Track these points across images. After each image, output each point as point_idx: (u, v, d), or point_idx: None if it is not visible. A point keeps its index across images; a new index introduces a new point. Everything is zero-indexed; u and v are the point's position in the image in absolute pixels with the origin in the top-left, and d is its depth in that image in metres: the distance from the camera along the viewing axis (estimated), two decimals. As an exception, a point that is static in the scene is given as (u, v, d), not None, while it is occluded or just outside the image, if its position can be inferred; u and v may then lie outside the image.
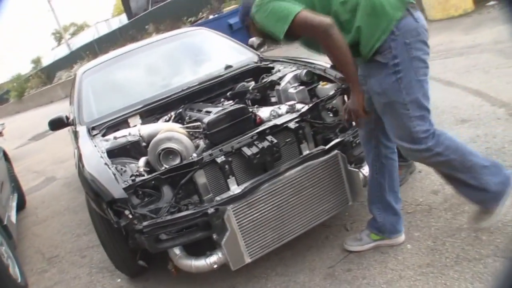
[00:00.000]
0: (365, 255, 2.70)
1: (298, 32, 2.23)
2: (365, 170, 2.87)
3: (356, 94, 2.30)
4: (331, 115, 3.16)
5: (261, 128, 2.85)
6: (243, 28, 2.65)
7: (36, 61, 47.82)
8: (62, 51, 30.32)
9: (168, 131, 2.99)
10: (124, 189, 2.52)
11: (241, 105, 3.11)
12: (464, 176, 2.34)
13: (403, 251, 2.62)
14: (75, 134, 3.74)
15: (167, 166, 2.79)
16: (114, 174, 2.67)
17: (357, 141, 2.87)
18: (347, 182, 2.79)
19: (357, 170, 2.84)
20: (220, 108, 3.19)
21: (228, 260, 2.52)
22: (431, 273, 2.37)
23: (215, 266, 2.55)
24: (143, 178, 2.65)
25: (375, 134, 2.58)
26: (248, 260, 2.57)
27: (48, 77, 30.75)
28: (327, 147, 2.76)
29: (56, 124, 4.21)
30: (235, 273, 2.80)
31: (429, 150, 2.27)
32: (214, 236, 2.54)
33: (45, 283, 3.93)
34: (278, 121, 2.90)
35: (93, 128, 3.61)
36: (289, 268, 2.82)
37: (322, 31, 2.15)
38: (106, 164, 2.79)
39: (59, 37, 47.65)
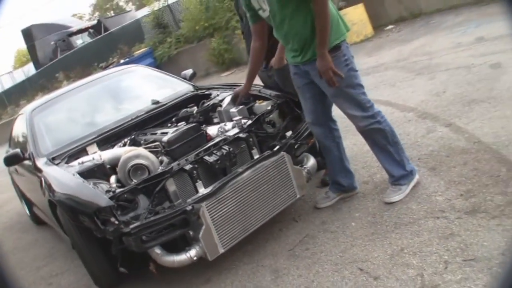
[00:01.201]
0: (318, 235, 3.20)
1: None
2: (307, 168, 3.44)
3: (326, 55, 2.96)
4: (270, 126, 3.68)
5: (218, 139, 3.32)
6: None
7: None
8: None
9: (133, 151, 3.36)
10: (110, 198, 2.88)
11: (194, 124, 3.57)
12: (392, 149, 3.19)
13: (349, 228, 3.15)
14: (35, 167, 3.98)
15: (135, 181, 3.16)
16: (95, 188, 3.02)
17: (298, 144, 3.43)
18: (294, 178, 3.29)
19: (301, 168, 3.37)
20: (176, 129, 3.62)
21: (205, 251, 2.92)
22: (377, 238, 2.92)
23: (195, 258, 2.94)
24: (122, 189, 3.01)
25: (326, 123, 3.37)
26: (221, 250, 2.98)
27: None
28: (274, 149, 3.27)
29: (12, 160, 4.28)
30: (207, 268, 3.24)
31: (373, 117, 3.13)
32: (191, 233, 2.94)
33: None
34: (231, 133, 3.38)
35: (53, 158, 3.88)
36: (253, 257, 3.24)
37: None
38: (83, 181, 3.12)
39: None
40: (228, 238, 3.00)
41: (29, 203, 5.88)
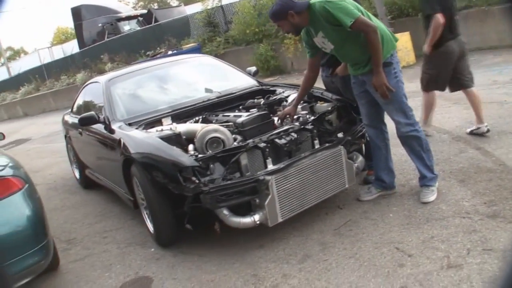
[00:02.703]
0: (360, 221, 3.74)
1: (357, 26, 3.47)
2: (357, 163, 4.00)
3: (380, 73, 3.57)
4: (328, 125, 4.22)
5: (287, 127, 3.87)
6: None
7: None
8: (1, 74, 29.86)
9: (212, 125, 3.92)
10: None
11: (265, 112, 4.12)
12: (425, 155, 3.84)
13: (388, 218, 3.69)
14: (110, 130, 4.51)
15: (211, 152, 3.70)
16: (178, 150, 3.59)
17: (353, 142, 3.98)
18: (346, 170, 3.84)
19: (352, 162, 3.93)
20: (249, 113, 4.17)
21: (267, 218, 3.46)
22: (411, 227, 3.46)
23: (258, 222, 3.49)
24: (203, 155, 3.57)
25: (379, 125, 3.94)
26: (280, 219, 3.52)
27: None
28: (334, 142, 3.82)
29: (88, 120, 4.70)
30: (259, 236, 3.77)
31: (413, 125, 3.77)
32: (257, 200, 3.49)
33: (73, 257, 4.35)
34: (299, 124, 3.93)
35: (130, 124, 4.44)
36: (303, 232, 3.77)
37: (373, 30, 3.50)
38: (168, 143, 3.69)
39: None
40: (288, 210, 3.54)
41: (82, 167, 6.39)
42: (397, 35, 9.89)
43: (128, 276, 3.77)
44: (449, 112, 6.12)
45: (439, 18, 4.67)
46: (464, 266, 2.87)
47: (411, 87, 8.11)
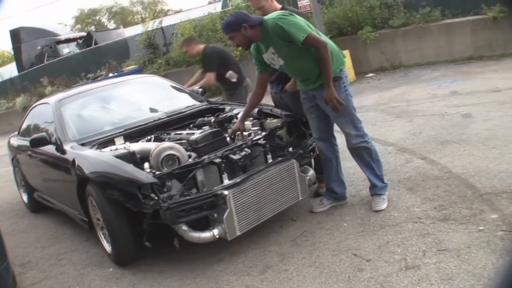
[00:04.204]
0: (315, 231, 3.84)
1: (309, 42, 3.62)
2: (309, 176, 4.13)
3: (331, 87, 3.70)
4: (279, 140, 4.33)
5: (240, 143, 3.96)
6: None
7: None
8: None
9: (166, 143, 3.95)
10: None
11: (218, 129, 4.20)
12: (375, 165, 4.00)
13: (342, 227, 3.81)
14: (62, 151, 4.47)
15: (166, 169, 3.73)
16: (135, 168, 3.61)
17: (304, 156, 4.11)
18: (298, 183, 3.96)
19: (304, 175, 4.05)
20: (202, 130, 4.23)
21: (226, 232, 3.51)
22: (366, 234, 3.59)
23: (217, 236, 3.54)
24: (161, 172, 3.60)
25: (329, 139, 4.08)
26: (238, 232, 3.58)
27: None
28: (287, 156, 3.93)
29: (39, 142, 4.65)
30: (218, 251, 3.81)
31: (363, 136, 3.95)
32: (215, 215, 3.54)
33: (30, 281, 4.23)
34: (252, 139, 4.02)
35: (83, 144, 4.41)
36: (260, 245, 3.84)
37: (324, 46, 3.65)
38: (123, 162, 3.70)
39: None
40: (245, 223, 3.61)
41: (31, 190, 6.23)
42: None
43: (88, 297, 3.70)
44: (392, 126, 6.37)
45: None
46: (421, 267, 3.01)
47: (354, 102, 8.41)
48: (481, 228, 3.29)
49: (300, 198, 4.02)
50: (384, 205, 3.94)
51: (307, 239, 3.75)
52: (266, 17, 3.81)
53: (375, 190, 4.04)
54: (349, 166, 4.70)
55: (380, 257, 3.23)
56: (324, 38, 3.83)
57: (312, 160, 4.46)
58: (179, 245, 3.65)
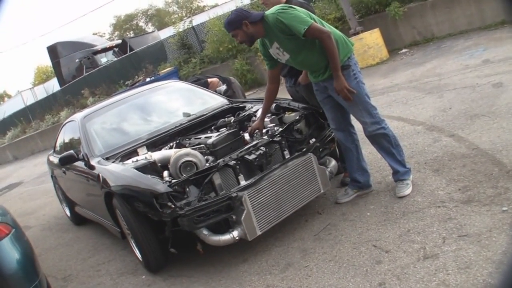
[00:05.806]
0: (339, 223, 3.80)
1: (311, 33, 3.55)
2: (330, 168, 4.06)
3: (340, 77, 3.64)
4: (298, 134, 4.29)
5: (255, 142, 3.94)
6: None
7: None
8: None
9: (183, 150, 3.99)
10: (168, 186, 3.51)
11: (234, 130, 4.20)
12: (395, 151, 3.87)
13: (365, 217, 3.75)
14: (89, 166, 4.61)
15: (185, 175, 3.77)
16: (153, 178, 3.65)
17: (322, 148, 4.06)
18: (319, 176, 3.91)
19: (324, 167, 3.99)
20: (218, 133, 4.25)
21: (246, 233, 3.53)
22: (388, 223, 3.53)
23: (237, 238, 3.55)
24: (177, 180, 3.64)
25: (346, 128, 4.01)
26: (259, 232, 3.58)
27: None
28: (303, 150, 3.89)
29: (67, 159, 4.83)
30: (243, 251, 3.84)
31: (379, 123, 3.82)
32: (233, 217, 3.55)
33: None
34: (267, 138, 4.00)
35: (107, 158, 4.52)
36: (284, 241, 3.83)
37: (327, 35, 3.58)
38: (142, 173, 3.76)
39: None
40: (265, 222, 3.61)
41: (71, 204, 6.49)
42: (367, 33, 10.12)
43: (122, 305, 3.81)
44: (422, 103, 6.20)
45: None
46: (440, 255, 2.92)
47: (386, 82, 8.27)
48: (504, 208, 3.15)
49: (322, 191, 3.98)
50: (408, 191, 3.84)
51: (330, 232, 3.72)
52: (266, 12, 3.77)
53: (398, 176, 3.95)
54: (375, 151, 4.58)
55: (399, 247, 3.16)
56: (328, 27, 3.76)
57: (336, 150, 4.40)
58: (202, 250, 3.70)
